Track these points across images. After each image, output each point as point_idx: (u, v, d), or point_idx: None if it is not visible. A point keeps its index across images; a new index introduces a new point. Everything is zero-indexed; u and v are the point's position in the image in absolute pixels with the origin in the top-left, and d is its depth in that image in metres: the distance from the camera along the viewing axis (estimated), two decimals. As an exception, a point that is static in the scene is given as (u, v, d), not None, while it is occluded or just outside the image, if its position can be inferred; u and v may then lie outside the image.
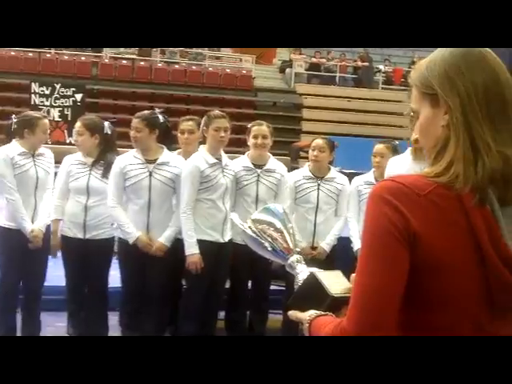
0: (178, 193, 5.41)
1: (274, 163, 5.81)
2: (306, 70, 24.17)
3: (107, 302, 5.69)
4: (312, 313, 1.70)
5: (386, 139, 6.19)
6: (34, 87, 16.68)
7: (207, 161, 5.43)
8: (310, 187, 5.97)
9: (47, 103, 16.51)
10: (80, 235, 5.49)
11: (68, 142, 16.16)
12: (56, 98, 16.63)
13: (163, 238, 5.36)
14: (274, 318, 6.12)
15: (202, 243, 5.41)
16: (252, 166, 5.71)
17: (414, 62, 25.07)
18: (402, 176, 1.56)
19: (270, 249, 1.96)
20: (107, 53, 22.33)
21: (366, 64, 24.21)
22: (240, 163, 5.75)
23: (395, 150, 5.87)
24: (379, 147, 5.97)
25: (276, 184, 5.73)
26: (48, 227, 5.51)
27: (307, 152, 6.46)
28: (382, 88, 24.22)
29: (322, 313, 1.69)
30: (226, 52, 24.75)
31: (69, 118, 16.49)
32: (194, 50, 23.37)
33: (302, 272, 1.90)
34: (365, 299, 1.49)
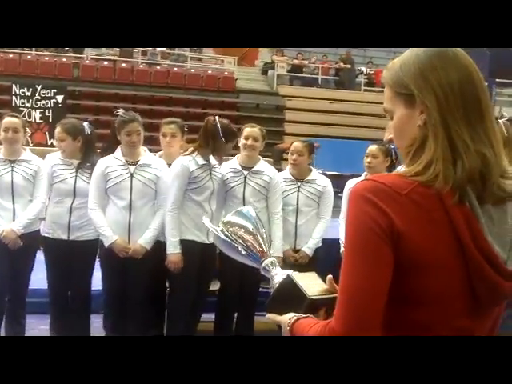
0: (159, 194, 5.41)
1: (263, 165, 5.79)
2: (288, 71, 24.22)
3: (90, 305, 5.66)
4: (292, 315, 1.69)
5: (380, 140, 6.19)
6: (15, 89, 16.61)
7: (197, 162, 5.44)
8: (290, 189, 5.97)
9: (28, 105, 16.44)
10: (64, 236, 5.46)
11: (50, 143, 16.11)
12: (37, 100, 16.58)
13: (142, 240, 5.35)
14: (261, 320, 6.11)
15: (187, 243, 5.44)
16: (240, 167, 5.70)
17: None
18: (381, 176, 1.57)
19: (243, 252, 1.92)
20: (88, 54, 22.25)
21: (348, 66, 24.30)
22: (228, 165, 5.76)
23: (388, 152, 5.87)
24: (372, 148, 5.96)
25: (264, 186, 5.71)
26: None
27: (291, 154, 6.47)
28: (364, 90, 24.32)
29: (302, 315, 1.69)
30: (207, 53, 24.77)
31: (50, 120, 16.45)
32: (176, 51, 23.36)
33: (278, 275, 1.88)
34: (351, 299, 1.48)
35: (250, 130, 5.77)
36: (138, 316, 5.43)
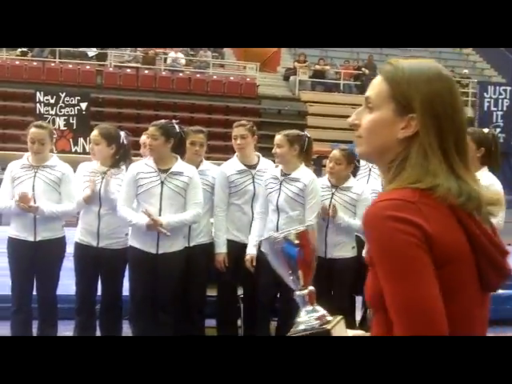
0: (189, 200, 5.43)
1: (300, 172, 5.68)
2: (310, 77, 24.22)
3: (121, 311, 5.72)
4: None
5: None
6: (39, 96, 16.76)
7: (235, 168, 5.73)
8: (323, 196, 5.82)
9: (52, 112, 16.58)
10: (94, 243, 5.55)
11: (74, 150, 16.24)
12: (61, 107, 16.71)
13: (167, 217, 5.34)
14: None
15: (227, 242, 5.80)
16: (279, 174, 5.67)
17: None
18: (384, 194, 1.62)
19: (290, 272, 1.82)
20: (111, 61, 22.42)
21: (370, 71, 24.27)
22: (269, 172, 5.78)
23: (351, 158, 5.79)
24: (335, 153, 5.85)
25: (298, 193, 5.62)
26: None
27: (313, 159, 6.40)
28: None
29: None
30: (230, 60, 24.85)
31: (74, 127, 16.58)
32: (198, 57, 23.46)
33: (309, 316, 1.79)
34: (419, 313, 1.51)
35: (276, 137, 5.73)
36: (166, 322, 5.45)
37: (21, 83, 20.02)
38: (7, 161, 5.77)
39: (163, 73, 22.39)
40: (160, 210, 5.34)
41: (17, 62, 21.17)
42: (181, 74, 22.53)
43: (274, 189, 5.61)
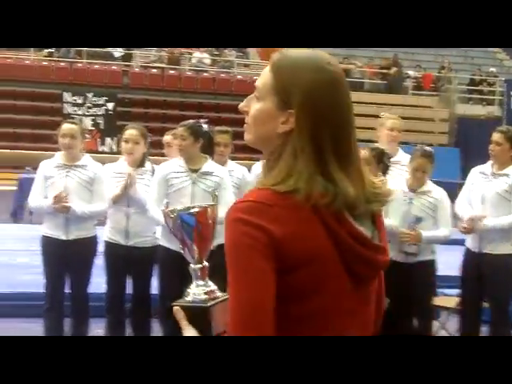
0: (219, 200, 5.43)
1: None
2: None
3: (150, 309, 5.77)
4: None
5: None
6: (67, 96, 16.92)
7: None
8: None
9: (80, 112, 16.72)
10: (122, 241, 5.62)
11: (100, 150, 16.38)
12: (88, 107, 16.85)
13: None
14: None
15: None
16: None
17: (443, 68, 25.02)
18: (247, 195, 1.64)
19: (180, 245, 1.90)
20: (137, 62, 22.57)
21: (396, 70, 24.17)
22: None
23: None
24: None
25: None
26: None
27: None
28: (412, 94, 24.15)
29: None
30: (254, 59, 24.88)
31: (101, 127, 16.72)
32: (223, 57, 23.53)
33: (202, 288, 1.88)
34: (246, 312, 1.57)
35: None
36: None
37: (48, 83, 20.23)
38: (37, 160, 5.83)
39: (188, 73, 22.49)
40: None
41: (44, 63, 21.39)
42: (205, 74, 22.62)
43: None
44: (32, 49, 21.50)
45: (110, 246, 5.66)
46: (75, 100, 16.84)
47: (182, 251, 1.89)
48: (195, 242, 1.86)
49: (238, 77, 22.67)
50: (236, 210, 1.60)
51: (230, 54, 23.51)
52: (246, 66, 24.55)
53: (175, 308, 1.79)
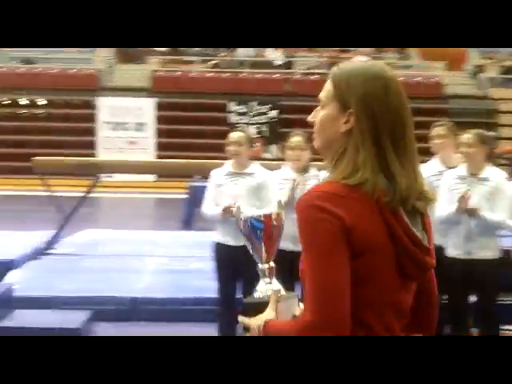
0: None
1: (489, 172, 5.43)
2: (501, 74, 23.40)
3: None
4: (264, 317, 1.93)
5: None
6: (231, 106, 17.43)
7: (437, 170, 5.62)
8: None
9: (244, 121, 17.18)
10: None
11: (264, 157, 16.76)
12: (252, 116, 17.28)
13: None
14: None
15: None
16: (465, 173, 5.43)
17: None
18: (319, 186, 1.85)
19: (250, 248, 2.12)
20: (299, 69, 22.87)
21: None
22: (454, 172, 5.53)
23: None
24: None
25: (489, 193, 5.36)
26: None
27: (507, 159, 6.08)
28: None
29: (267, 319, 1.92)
30: (415, 60, 24.55)
31: (265, 135, 17.10)
32: (383, 60, 23.38)
33: (268, 286, 2.06)
34: (324, 293, 1.75)
35: (465, 136, 5.42)
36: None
37: (214, 94, 20.92)
38: (205, 169, 6.09)
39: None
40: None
41: (209, 74, 22.15)
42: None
43: (459, 189, 5.43)
44: (198, 61, 22.36)
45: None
46: (240, 109, 17.30)
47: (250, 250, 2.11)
48: (263, 243, 2.08)
49: (400, 78, 22.35)
50: (311, 198, 1.80)
51: (391, 56, 23.33)
52: (405, 67, 24.26)
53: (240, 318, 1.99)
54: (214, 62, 23.24)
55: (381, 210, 1.79)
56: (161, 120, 22.12)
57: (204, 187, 6.02)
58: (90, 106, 22.40)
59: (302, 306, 1.98)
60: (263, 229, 2.07)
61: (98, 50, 23.64)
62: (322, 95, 1.94)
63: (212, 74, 22.50)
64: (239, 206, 2.30)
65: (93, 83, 22.60)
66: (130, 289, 7.30)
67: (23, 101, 23.00)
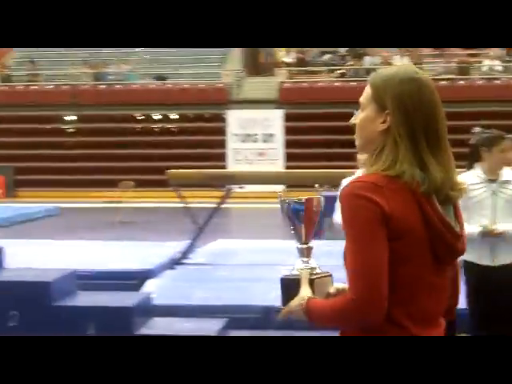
0: None
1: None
2: None
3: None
4: (304, 297, 2.11)
5: None
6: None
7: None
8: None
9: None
10: None
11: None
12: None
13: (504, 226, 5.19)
14: None
15: None
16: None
17: None
18: (360, 177, 2.04)
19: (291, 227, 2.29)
20: (427, 75, 22.48)
21: None
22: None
23: None
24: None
25: None
26: None
27: None
28: None
29: (310, 296, 2.11)
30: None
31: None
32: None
33: (306, 264, 2.25)
34: (367, 272, 1.93)
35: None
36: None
37: (341, 103, 20.95)
38: (335, 179, 6.02)
39: (479, 82, 22.01)
40: (494, 220, 5.24)
41: (336, 84, 22.23)
42: (498, 82, 21.98)
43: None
44: (325, 71, 22.50)
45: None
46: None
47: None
48: (303, 225, 2.26)
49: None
50: (352, 187, 1.99)
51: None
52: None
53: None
54: (340, 71, 23.31)
55: (417, 198, 1.98)
56: (289, 131, 22.38)
57: (333, 197, 5.94)
58: (220, 119, 22.94)
59: (335, 284, 2.17)
60: (304, 211, 2.25)
61: (227, 64, 24.21)
62: (362, 98, 2.12)
63: (339, 83, 22.58)
64: (280, 193, 2.45)
65: (222, 97, 23.14)
66: (263, 298, 7.43)
67: (156, 116, 23.85)
